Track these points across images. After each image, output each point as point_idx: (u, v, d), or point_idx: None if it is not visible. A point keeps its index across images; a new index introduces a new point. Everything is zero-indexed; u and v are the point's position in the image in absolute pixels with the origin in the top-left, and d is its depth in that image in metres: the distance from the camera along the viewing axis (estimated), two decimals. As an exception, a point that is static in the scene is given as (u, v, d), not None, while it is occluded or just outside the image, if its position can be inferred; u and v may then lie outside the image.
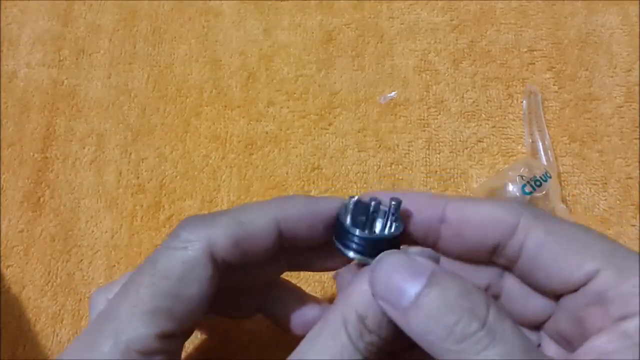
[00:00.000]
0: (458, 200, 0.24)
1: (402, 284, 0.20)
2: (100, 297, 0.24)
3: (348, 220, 0.24)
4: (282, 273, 0.27)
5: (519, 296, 0.24)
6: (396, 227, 0.24)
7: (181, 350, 0.23)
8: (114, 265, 0.35)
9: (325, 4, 0.42)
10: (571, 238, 0.22)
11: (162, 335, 0.21)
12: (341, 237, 0.24)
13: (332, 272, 0.27)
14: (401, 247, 0.24)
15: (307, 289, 0.34)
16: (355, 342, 0.21)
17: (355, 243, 0.23)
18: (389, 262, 0.21)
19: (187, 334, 0.23)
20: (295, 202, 0.24)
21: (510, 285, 0.25)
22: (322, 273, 0.34)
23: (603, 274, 0.21)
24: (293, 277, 0.33)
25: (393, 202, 0.23)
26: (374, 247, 0.23)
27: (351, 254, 0.24)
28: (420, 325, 0.20)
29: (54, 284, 0.35)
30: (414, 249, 0.22)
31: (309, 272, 0.34)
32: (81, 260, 0.35)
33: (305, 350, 0.21)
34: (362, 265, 0.24)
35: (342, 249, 0.24)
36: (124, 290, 0.22)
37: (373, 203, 0.23)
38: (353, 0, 0.42)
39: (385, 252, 0.22)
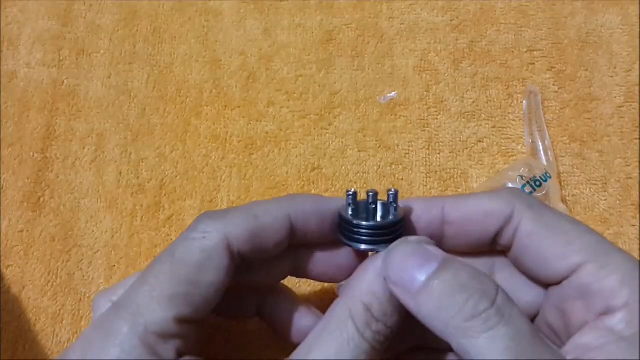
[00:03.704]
0: (454, 199, 0.25)
1: (414, 269, 0.21)
2: (104, 300, 0.24)
3: (349, 212, 0.25)
4: (284, 277, 0.27)
5: (510, 290, 0.25)
6: (396, 215, 0.25)
7: (195, 338, 0.23)
8: (114, 265, 0.35)
9: (325, 4, 0.42)
10: (558, 230, 0.23)
11: (179, 320, 0.22)
12: (346, 232, 0.25)
13: (335, 285, 0.27)
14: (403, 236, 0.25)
15: (308, 289, 0.34)
16: (362, 331, 0.21)
17: (360, 234, 0.24)
18: (402, 249, 0.22)
19: (200, 323, 0.24)
20: (306, 200, 0.25)
21: (501, 279, 0.25)
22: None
23: (586, 268, 0.21)
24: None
25: (390, 192, 0.24)
26: (378, 235, 0.24)
27: (361, 246, 0.24)
28: (431, 305, 0.20)
29: (54, 284, 0.35)
30: (413, 238, 0.23)
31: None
32: (81, 260, 0.35)
33: (312, 341, 0.22)
34: (365, 256, 0.25)
35: (349, 242, 0.25)
36: (142, 279, 0.23)
37: (371, 194, 0.24)
38: (353, 0, 0.42)
39: (397, 241, 0.23)
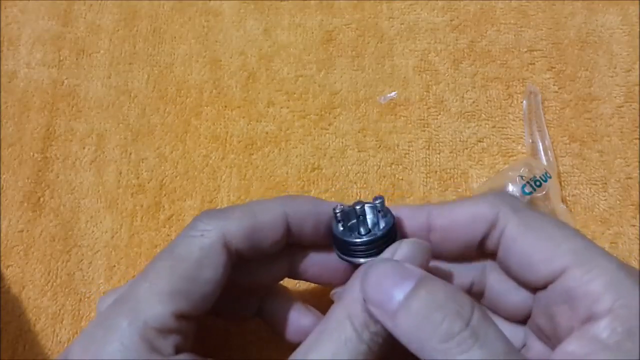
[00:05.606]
0: (439, 207, 0.25)
1: (391, 288, 0.21)
2: (109, 300, 0.25)
3: (340, 228, 0.25)
4: (281, 279, 0.28)
5: (501, 291, 0.25)
6: (386, 220, 0.25)
7: (192, 335, 0.23)
8: (114, 265, 0.35)
9: (325, 4, 0.42)
10: (543, 234, 0.23)
11: (178, 315, 0.22)
12: (341, 248, 0.25)
13: (331, 292, 0.27)
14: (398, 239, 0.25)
15: (306, 290, 0.34)
16: (360, 332, 0.21)
17: (355, 250, 0.25)
18: (379, 268, 0.22)
19: (198, 320, 0.24)
20: (303, 201, 0.26)
21: (493, 280, 0.26)
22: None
23: (571, 272, 0.21)
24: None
25: (377, 202, 0.24)
26: (373, 247, 0.24)
27: (358, 260, 0.24)
28: (408, 326, 0.20)
29: (54, 284, 0.35)
30: (409, 240, 0.23)
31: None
32: (81, 260, 0.35)
33: (310, 344, 0.22)
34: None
35: (348, 258, 0.25)
36: (142, 276, 0.23)
37: (357, 207, 0.25)
38: (353, 0, 0.42)
39: (374, 259, 0.24)
